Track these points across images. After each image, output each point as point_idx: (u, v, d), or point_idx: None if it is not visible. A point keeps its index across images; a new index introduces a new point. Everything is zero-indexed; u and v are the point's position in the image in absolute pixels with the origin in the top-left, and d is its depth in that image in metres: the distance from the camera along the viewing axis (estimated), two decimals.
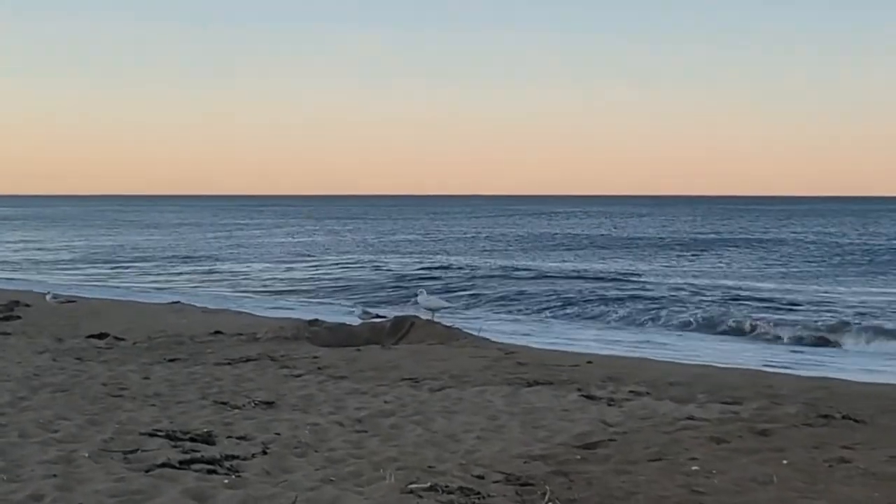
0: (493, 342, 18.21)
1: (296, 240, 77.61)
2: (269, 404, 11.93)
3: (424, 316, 20.03)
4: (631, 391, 12.46)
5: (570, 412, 11.31)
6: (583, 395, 12.24)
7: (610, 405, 11.66)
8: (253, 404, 11.89)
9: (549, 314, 30.10)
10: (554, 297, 33.51)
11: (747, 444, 9.56)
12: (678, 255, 56.35)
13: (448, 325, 19.42)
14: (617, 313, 29.33)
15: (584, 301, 32.01)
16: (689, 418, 10.80)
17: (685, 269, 47.41)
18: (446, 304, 21.56)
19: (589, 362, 15.14)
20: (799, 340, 24.00)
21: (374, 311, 21.67)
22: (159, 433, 9.85)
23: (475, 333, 18.96)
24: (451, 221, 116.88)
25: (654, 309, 29.59)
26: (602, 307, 30.63)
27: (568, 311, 30.71)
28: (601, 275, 42.38)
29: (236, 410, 11.51)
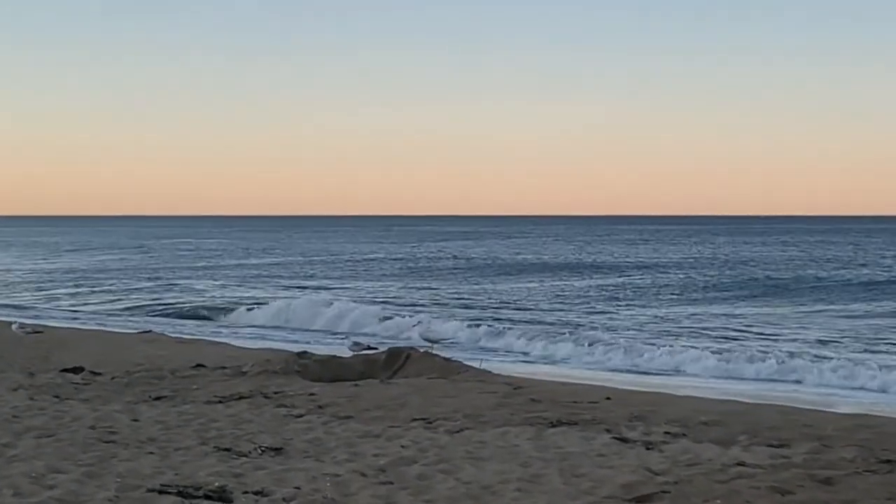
0: (497, 375, 17.54)
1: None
2: (278, 451, 11.22)
3: (420, 347, 19.31)
4: (666, 432, 11.83)
5: (607, 458, 10.66)
6: (615, 438, 11.60)
7: (648, 449, 11.01)
8: (259, 451, 11.17)
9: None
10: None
11: (814, 496, 8.97)
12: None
13: (446, 357, 18.71)
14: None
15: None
16: (739, 464, 10.19)
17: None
18: (448, 336, 20.83)
19: (608, 398, 14.50)
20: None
21: (365, 342, 20.92)
22: (169, 489, 9.14)
23: (476, 366, 18.26)
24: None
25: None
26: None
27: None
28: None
29: (243, 458, 10.79)
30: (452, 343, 20.61)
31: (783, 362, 23.24)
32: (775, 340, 28.75)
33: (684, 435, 11.71)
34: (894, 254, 78.18)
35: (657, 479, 9.64)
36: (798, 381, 21.87)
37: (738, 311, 37.68)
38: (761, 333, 30.88)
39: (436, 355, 18.63)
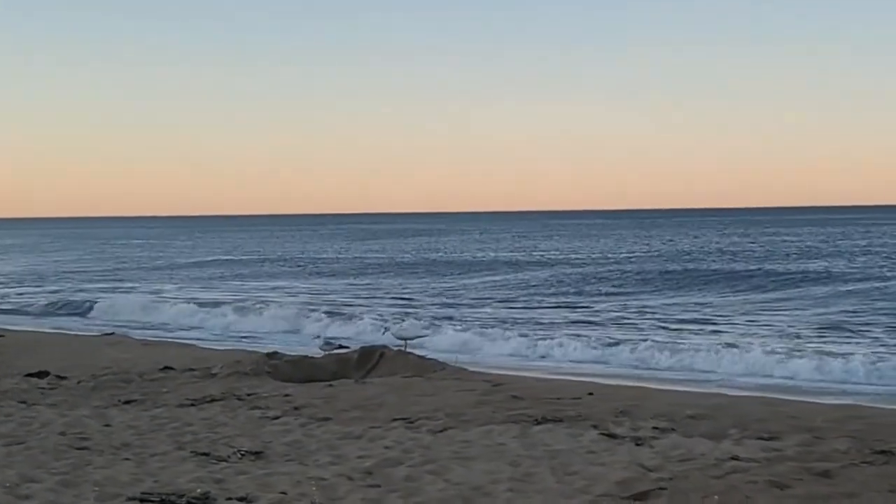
0: (474, 372, 17.32)
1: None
2: (258, 454, 10.96)
3: (394, 345, 19.05)
4: (654, 427, 11.66)
5: (597, 455, 10.48)
6: (603, 434, 11.42)
7: (638, 445, 10.84)
8: (239, 455, 10.91)
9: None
10: None
11: (813, 490, 8.81)
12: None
13: (421, 355, 18.47)
14: None
15: None
16: (733, 458, 10.03)
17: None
18: (423, 333, 20.55)
19: (590, 394, 14.32)
20: None
21: (336, 340, 20.63)
22: (150, 498, 8.89)
23: (451, 363, 18.02)
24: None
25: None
26: None
27: None
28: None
29: (223, 463, 10.53)
30: (421, 341, 20.26)
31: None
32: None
33: (673, 430, 11.55)
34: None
35: (651, 476, 9.47)
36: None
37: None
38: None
39: (410, 353, 18.39)
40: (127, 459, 10.72)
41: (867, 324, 28.28)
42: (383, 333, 20.91)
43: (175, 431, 12.49)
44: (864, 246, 72.95)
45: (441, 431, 12.05)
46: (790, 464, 9.72)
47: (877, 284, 40.00)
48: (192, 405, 14.56)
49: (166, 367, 18.63)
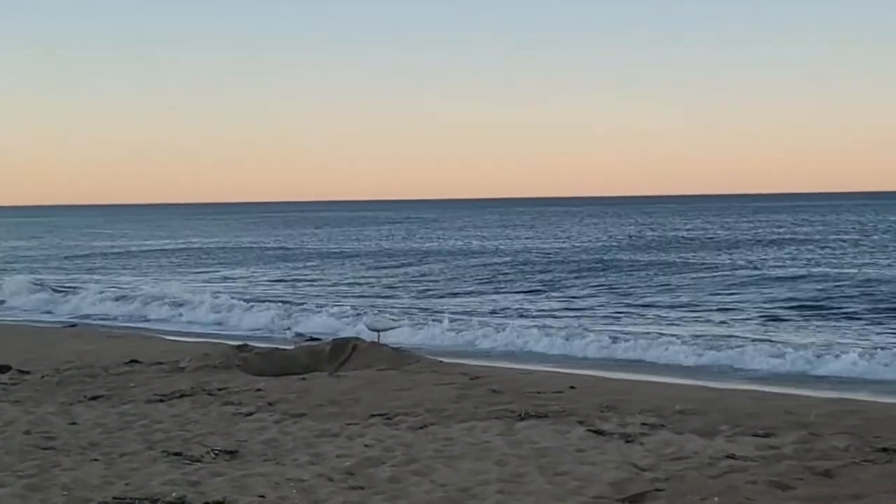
0: (451, 365, 16.92)
1: None
2: (232, 454, 10.57)
3: (367, 337, 18.65)
4: (643, 423, 11.32)
5: (586, 453, 10.14)
6: (590, 431, 11.09)
7: (628, 442, 10.52)
8: (213, 455, 10.51)
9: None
10: None
11: (816, 491, 8.52)
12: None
13: (395, 347, 18.06)
14: None
15: None
16: (728, 457, 9.72)
17: None
18: (395, 325, 20.13)
19: (572, 387, 13.96)
20: None
21: (306, 332, 20.20)
22: (122, 503, 8.39)
23: (428, 356, 17.63)
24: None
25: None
26: None
27: None
28: None
29: (197, 464, 10.12)
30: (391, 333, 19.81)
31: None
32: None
33: (662, 426, 11.23)
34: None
35: (646, 476, 9.15)
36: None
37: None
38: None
39: (384, 346, 17.99)
40: (96, 460, 10.29)
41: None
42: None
43: (144, 429, 12.06)
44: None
45: (421, 428, 11.68)
46: (789, 462, 9.42)
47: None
48: (161, 401, 14.12)
49: (132, 361, 18.13)
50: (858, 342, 21.68)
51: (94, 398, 14.49)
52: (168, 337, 24.87)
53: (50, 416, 12.97)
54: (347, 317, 26.57)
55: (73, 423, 12.45)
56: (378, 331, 18.72)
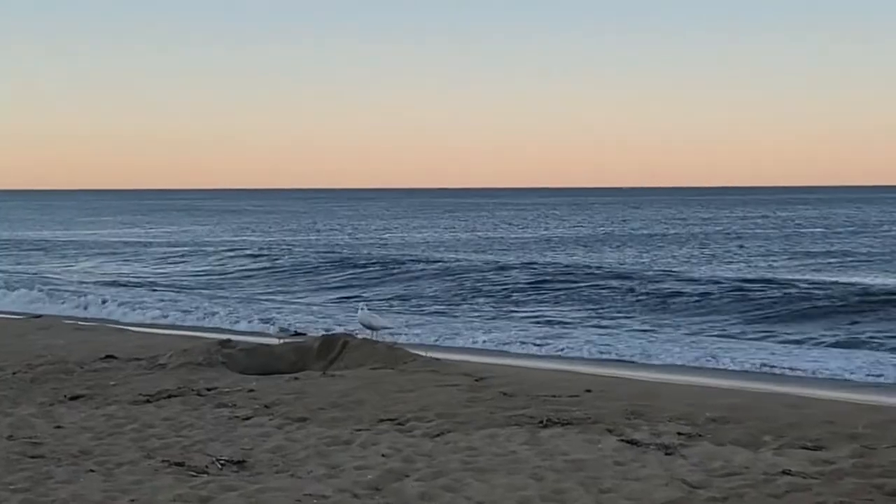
0: (450, 364, 16.14)
1: None
2: (240, 464, 9.87)
3: (360, 334, 17.86)
4: (678, 433, 10.62)
5: (627, 467, 9.47)
6: (623, 441, 10.39)
7: (668, 454, 9.85)
8: (219, 465, 9.78)
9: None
10: None
11: None
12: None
13: (390, 344, 17.29)
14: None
15: None
16: (784, 473, 9.04)
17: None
18: (388, 324, 19.33)
19: (588, 391, 13.23)
20: None
21: (292, 328, 19.39)
22: None
23: (423, 354, 16.85)
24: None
25: None
26: None
27: None
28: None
29: (204, 476, 9.40)
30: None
31: None
32: None
33: (699, 435, 10.55)
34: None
35: (701, 495, 8.51)
36: None
37: None
38: None
39: (377, 342, 17.21)
40: (91, 471, 9.56)
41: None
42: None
43: (137, 435, 11.31)
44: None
45: (438, 435, 10.97)
46: (852, 480, 8.79)
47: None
48: (148, 402, 13.35)
49: (108, 357, 17.27)
50: None
51: (74, 398, 13.71)
52: (141, 329, 24.01)
53: (31, 419, 12.19)
54: None
55: (59, 427, 11.67)
56: (372, 328, 17.93)
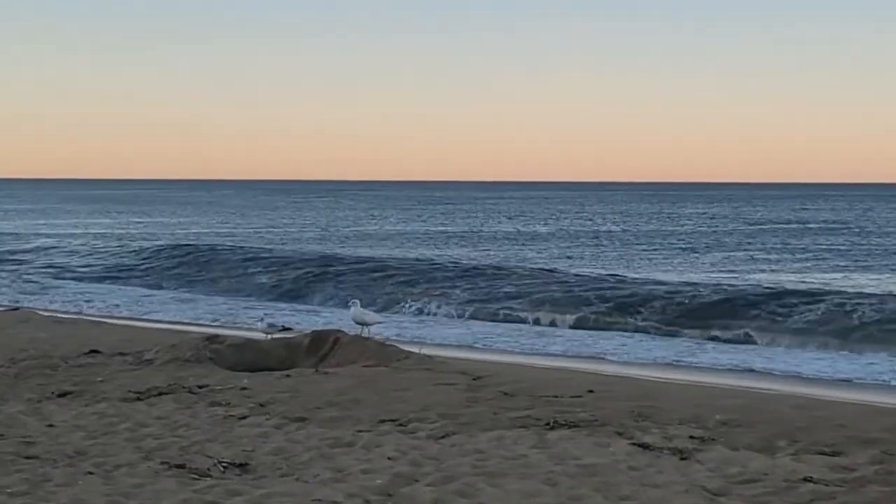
0: (443, 362, 15.89)
1: None
2: (242, 467, 9.59)
3: (351, 330, 17.57)
4: (690, 437, 10.40)
5: (642, 472, 9.26)
6: (634, 444, 10.16)
7: (683, 459, 9.63)
8: (222, 468, 9.51)
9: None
10: None
11: None
12: None
13: (381, 341, 17.02)
14: None
15: None
16: (806, 480, 8.84)
17: None
18: (380, 320, 19.07)
19: (590, 391, 13.00)
20: None
21: (279, 323, 19.10)
22: None
23: (416, 351, 16.58)
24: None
25: None
26: None
27: None
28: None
29: (207, 479, 9.14)
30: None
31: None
32: None
33: (712, 439, 10.33)
34: None
35: (723, 503, 8.24)
36: None
37: None
38: None
39: (368, 339, 16.94)
40: (90, 473, 9.27)
41: None
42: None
43: (131, 435, 11.04)
44: None
45: (443, 437, 10.74)
46: (876, 488, 8.60)
47: None
48: (139, 399, 13.07)
49: (93, 351, 16.98)
50: None
51: (62, 395, 13.45)
52: (122, 322, 23.65)
53: (21, 416, 11.92)
54: None
55: (51, 426, 11.40)
56: (365, 325, 17.65)
